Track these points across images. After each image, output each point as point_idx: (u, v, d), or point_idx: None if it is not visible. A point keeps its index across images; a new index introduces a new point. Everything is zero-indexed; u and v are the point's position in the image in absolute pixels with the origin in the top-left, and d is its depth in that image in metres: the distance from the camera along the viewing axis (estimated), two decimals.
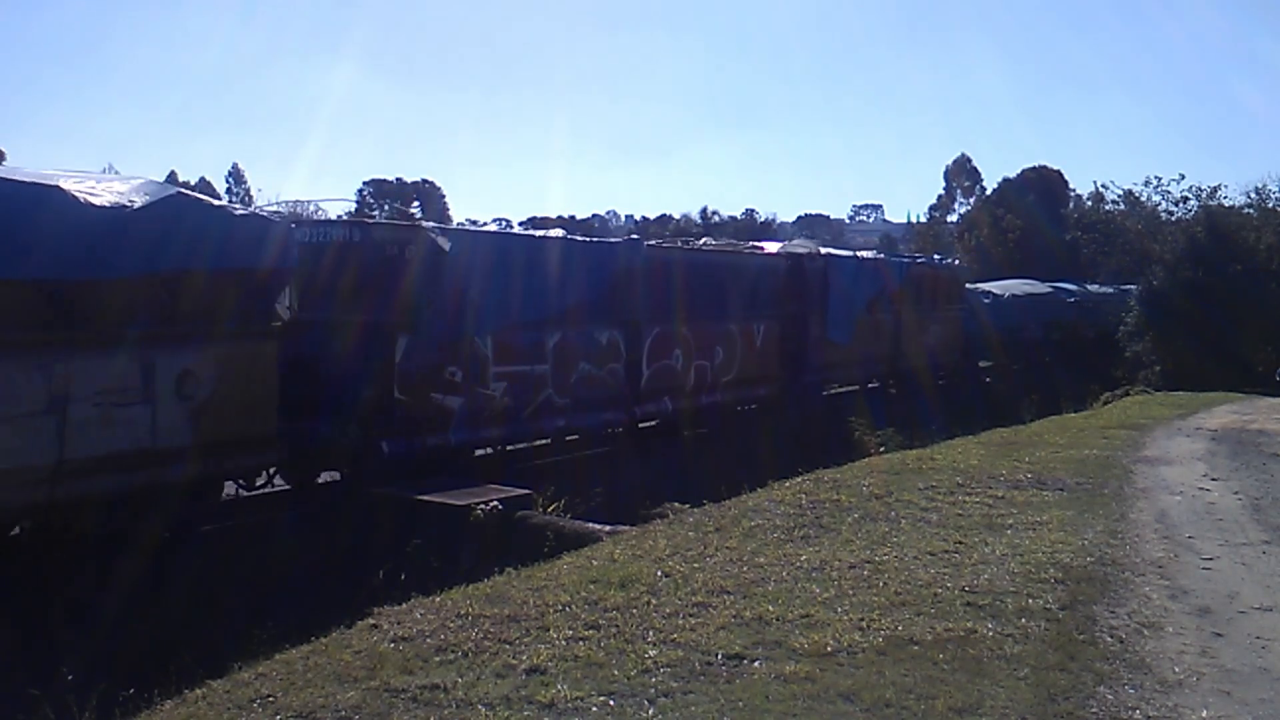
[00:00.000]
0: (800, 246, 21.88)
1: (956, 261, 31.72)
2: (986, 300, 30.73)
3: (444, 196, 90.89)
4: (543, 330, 13.36)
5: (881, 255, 25.41)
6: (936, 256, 31.73)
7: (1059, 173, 58.31)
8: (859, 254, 23.50)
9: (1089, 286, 38.22)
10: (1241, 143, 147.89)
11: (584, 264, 14.33)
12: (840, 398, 22.04)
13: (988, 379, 29.45)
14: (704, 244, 20.53)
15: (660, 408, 15.85)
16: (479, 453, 12.89)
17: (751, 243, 22.87)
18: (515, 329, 12.87)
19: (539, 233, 16.65)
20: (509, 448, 13.39)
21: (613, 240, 17.67)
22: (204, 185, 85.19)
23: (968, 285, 31.29)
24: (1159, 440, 14.45)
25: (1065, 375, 27.96)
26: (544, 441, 13.98)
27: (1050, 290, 34.94)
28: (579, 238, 16.55)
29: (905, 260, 25.17)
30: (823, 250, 22.05)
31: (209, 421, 9.36)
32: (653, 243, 17.73)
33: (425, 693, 4.99)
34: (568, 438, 14.39)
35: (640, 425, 15.80)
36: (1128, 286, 39.21)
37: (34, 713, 6.29)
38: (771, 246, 21.62)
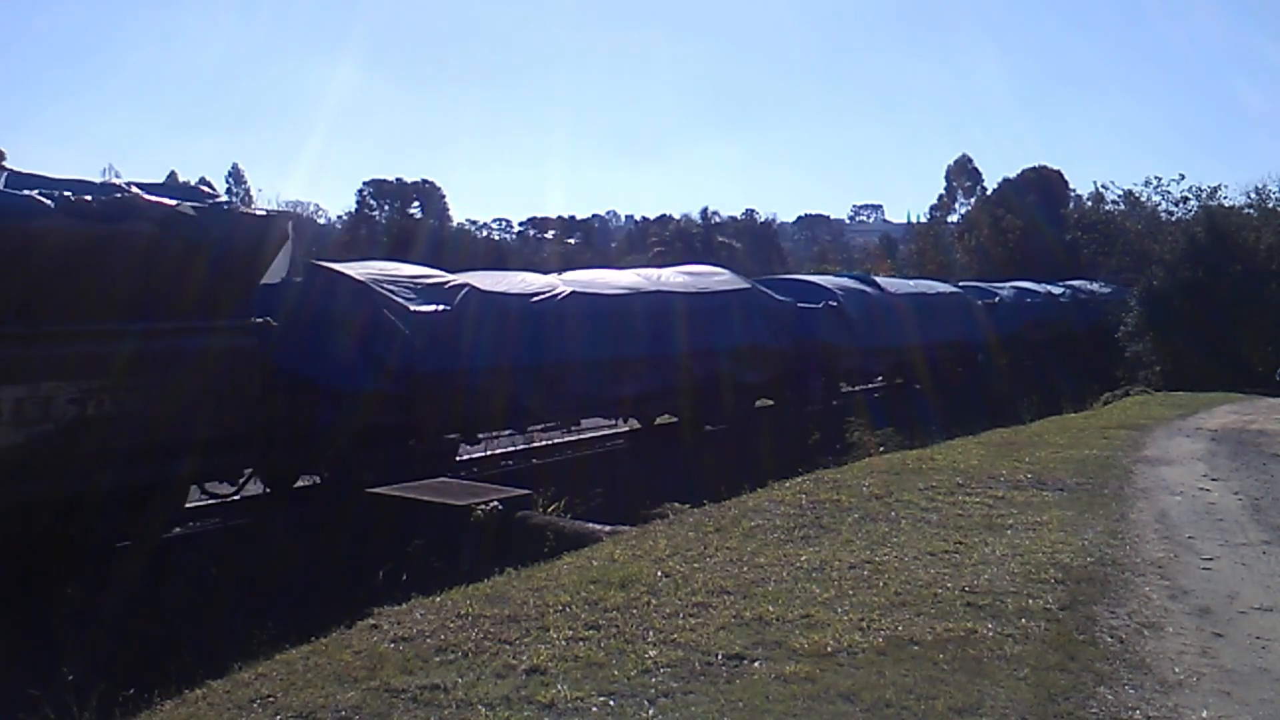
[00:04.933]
0: None
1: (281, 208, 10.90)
2: (422, 308, 12.92)
3: (444, 197, 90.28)
4: None
5: None
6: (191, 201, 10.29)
7: (1059, 173, 58.48)
8: None
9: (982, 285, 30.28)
10: (1241, 143, 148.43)
11: None
12: None
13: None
14: None
15: None
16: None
17: None
18: None
19: None
20: None
21: None
22: (204, 185, 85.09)
23: (466, 281, 14.04)
24: (1159, 440, 14.44)
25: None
26: None
27: (745, 287, 19.49)
28: None
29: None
30: None
31: None
32: None
33: (425, 693, 4.99)
34: None
35: None
36: (978, 283, 32.31)
37: (34, 713, 6.29)
38: None
